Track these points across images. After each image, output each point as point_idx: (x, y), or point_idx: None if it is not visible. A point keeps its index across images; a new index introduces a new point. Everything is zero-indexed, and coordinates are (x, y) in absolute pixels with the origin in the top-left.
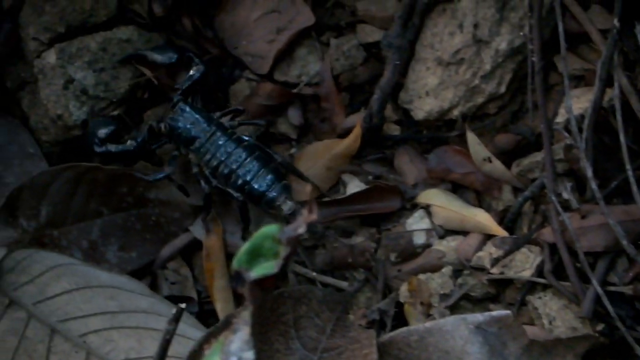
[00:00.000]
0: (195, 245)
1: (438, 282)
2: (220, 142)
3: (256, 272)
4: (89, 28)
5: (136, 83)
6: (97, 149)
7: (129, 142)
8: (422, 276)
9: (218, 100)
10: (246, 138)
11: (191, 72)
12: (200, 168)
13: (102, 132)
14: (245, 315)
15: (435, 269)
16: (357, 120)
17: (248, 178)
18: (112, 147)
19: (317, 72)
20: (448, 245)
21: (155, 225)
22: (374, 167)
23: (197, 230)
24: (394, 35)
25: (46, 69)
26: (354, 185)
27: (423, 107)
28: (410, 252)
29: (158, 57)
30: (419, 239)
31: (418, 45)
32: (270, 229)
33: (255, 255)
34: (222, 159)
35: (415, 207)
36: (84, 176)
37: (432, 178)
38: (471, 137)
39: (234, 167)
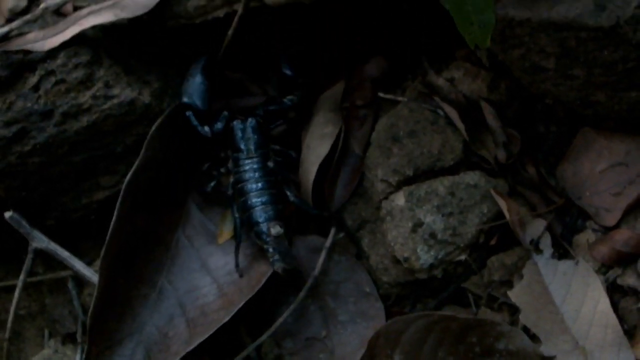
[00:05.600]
0: None
1: None
2: (254, 166)
3: None
4: (436, 171)
5: (482, 228)
6: (186, 113)
7: (206, 128)
8: None
9: (560, 248)
10: (276, 174)
11: (286, 99)
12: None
13: (194, 101)
14: None
15: None
16: None
17: (254, 204)
18: (194, 122)
19: None
20: None
21: None
22: None
23: None
24: None
25: (394, 211)
26: None
27: None
28: None
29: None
30: None
31: None
32: None
33: None
34: (245, 178)
35: None
36: (436, 325)
37: None
38: None
39: (249, 191)
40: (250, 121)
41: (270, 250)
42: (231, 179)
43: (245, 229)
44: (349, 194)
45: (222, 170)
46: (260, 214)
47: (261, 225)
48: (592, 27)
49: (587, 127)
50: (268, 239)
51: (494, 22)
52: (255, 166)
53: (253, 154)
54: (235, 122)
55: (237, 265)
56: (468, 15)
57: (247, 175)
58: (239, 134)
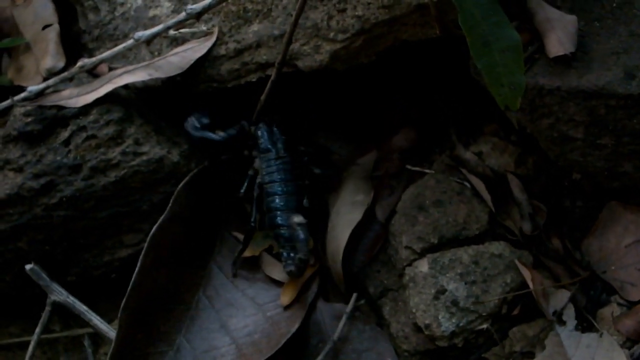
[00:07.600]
0: None
1: None
2: (283, 167)
3: None
4: (461, 240)
5: (504, 298)
6: (194, 133)
7: (219, 133)
8: None
9: (584, 321)
10: (306, 181)
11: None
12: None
13: (200, 120)
14: None
15: None
16: None
17: (278, 207)
18: (206, 134)
19: None
20: None
21: None
22: None
23: None
24: None
25: (417, 278)
26: None
27: None
28: None
29: None
30: None
31: None
32: None
33: None
34: (275, 180)
35: None
36: None
37: None
38: None
39: (276, 193)
40: (275, 124)
41: (285, 254)
42: (258, 179)
43: (271, 227)
44: (368, 259)
45: (250, 172)
46: (283, 217)
47: (282, 229)
48: (622, 95)
49: (614, 201)
50: (285, 244)
51: (524, 84)
52: (284, 167)
53: (283, 154)
54: (260, 124)
55: (235, 262)
56: (499, 77)
57: (275, 177)
58: (266, 135)
